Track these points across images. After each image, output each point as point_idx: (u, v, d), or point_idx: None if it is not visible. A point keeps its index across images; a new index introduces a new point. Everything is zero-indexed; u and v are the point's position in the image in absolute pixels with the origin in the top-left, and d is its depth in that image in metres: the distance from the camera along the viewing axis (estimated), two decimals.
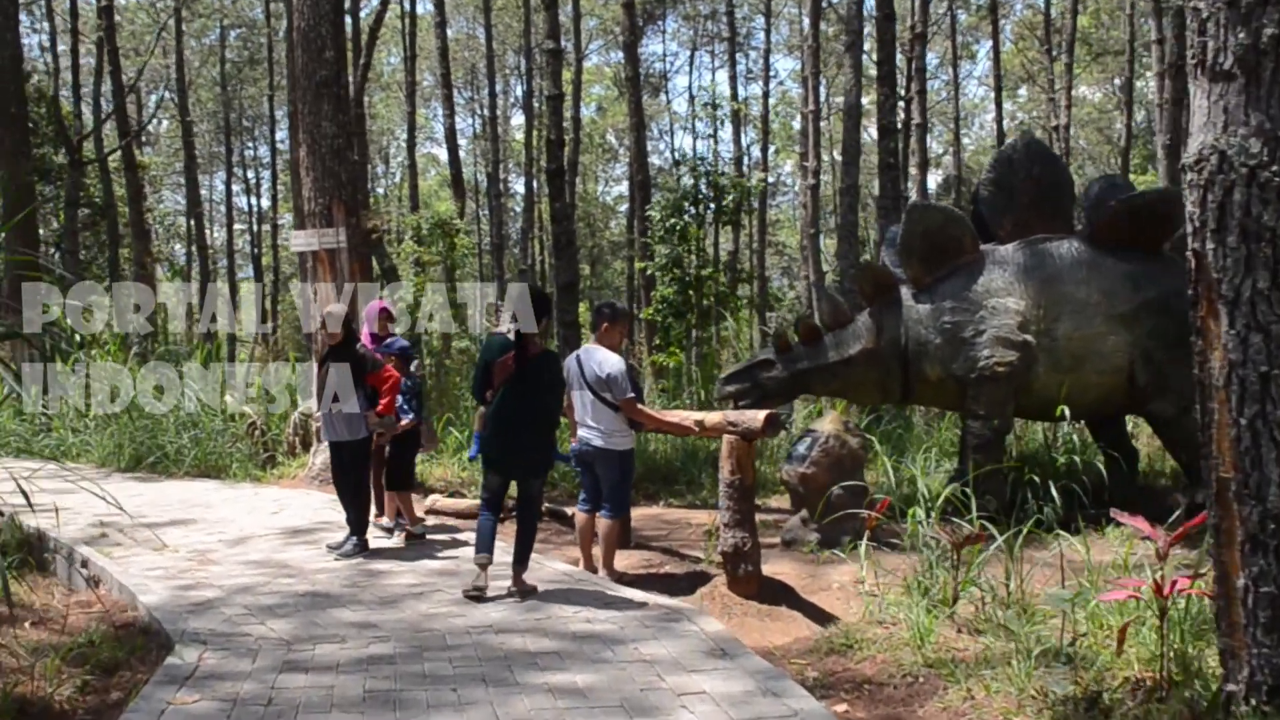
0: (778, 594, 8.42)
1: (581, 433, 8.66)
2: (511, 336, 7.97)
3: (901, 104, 21.73)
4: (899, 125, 19.68)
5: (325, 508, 11.54)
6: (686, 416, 8.89)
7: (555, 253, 21.78)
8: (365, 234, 24.29)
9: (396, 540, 10.00)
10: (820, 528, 9.64)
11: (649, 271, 22.59)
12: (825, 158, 37.03)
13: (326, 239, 12.85)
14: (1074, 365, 10.32)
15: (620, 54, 48.66)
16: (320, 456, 13.08)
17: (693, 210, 22.12)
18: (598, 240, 56.63)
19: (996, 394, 10.29)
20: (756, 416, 8.16)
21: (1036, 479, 9.86)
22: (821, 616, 8.08)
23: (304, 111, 13.07)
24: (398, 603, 7.68)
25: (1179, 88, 18.93)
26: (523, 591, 7.87)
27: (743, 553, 8.21)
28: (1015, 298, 10.35)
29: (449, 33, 52.97)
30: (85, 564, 9.25)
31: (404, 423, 9.89)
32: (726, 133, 36.71)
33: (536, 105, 38.50)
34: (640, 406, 8.66)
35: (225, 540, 9.99)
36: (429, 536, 10.18)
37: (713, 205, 22.15)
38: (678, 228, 21.58)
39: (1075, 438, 12.43)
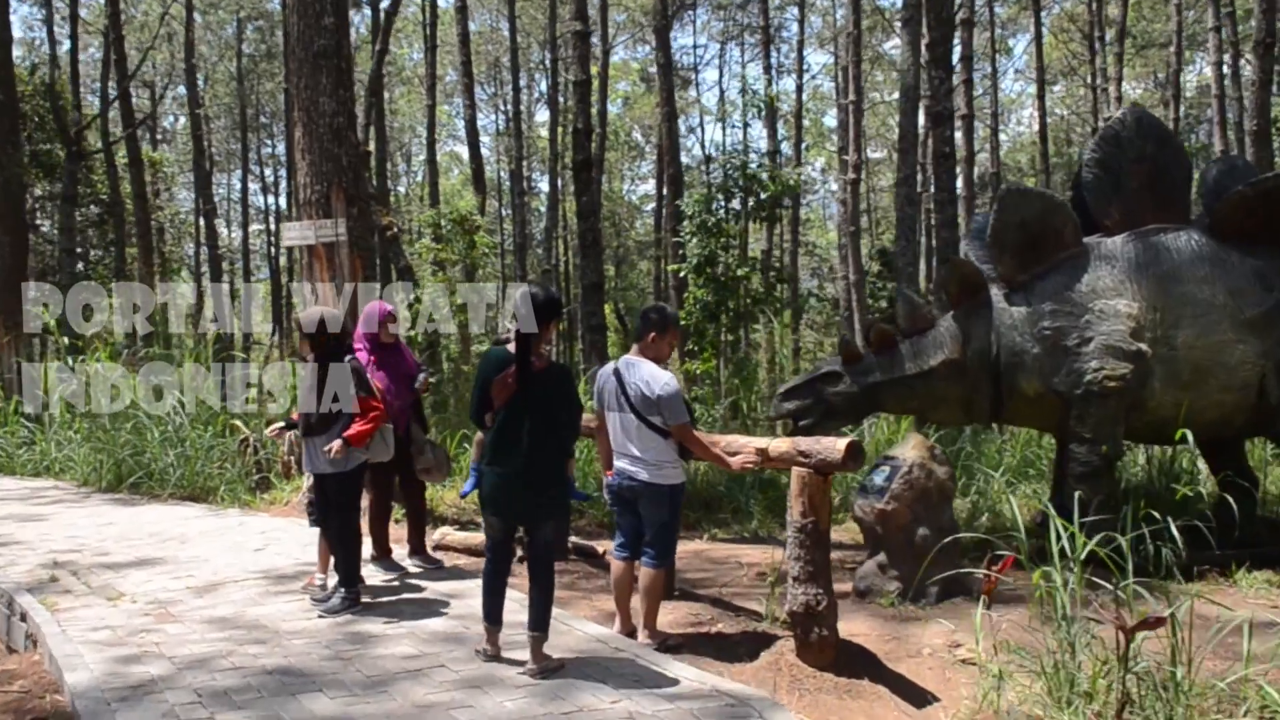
0: (857, 663, 6.84)
1: (620, 464, 7.03)
2: (513, 348, 6.38)
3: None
4: (952, 112, 17.97)
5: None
6: (746, 444, 7.25)
7: (581, 251, 20.20)
8: (383, 229, 22.89)
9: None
10: (902, 575, 8.03)
11: (681, 272, 20.94)
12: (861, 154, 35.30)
13: (324, 232, 11.26)
14: (1195, 379, 8.66)
15: (646, 48, 47.19)
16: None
17: (728, 205, 20.54)
18: (623, 240, 55.09)
19: (1106, 413, 8.63)
20: (835, 446, 6.55)
21: (1156, 515, 8.23)
22: (914, 694, 6.50)
23: (300, 86, 11.49)
24: (388, 684, 6.05)
25: (1266, 68, 17.13)
26: (544, 669, 6.25)
27: (816, 614, 6.64)
28: (1126, 299, 8.69)
29: (472, 25, 51.70)
30: (24, 617, 7.69)
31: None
32: (755, 129, 35.17)
33: (561, 100, 37.05)
34: (697, 434, 7.02)
35: (193, 587, 8.41)
36: (429, 585, 8.57)
37: (750, 199, 20.54)
38: (711, 224, 19.95)
39: (1183, 462, 10.79)
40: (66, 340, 17.22)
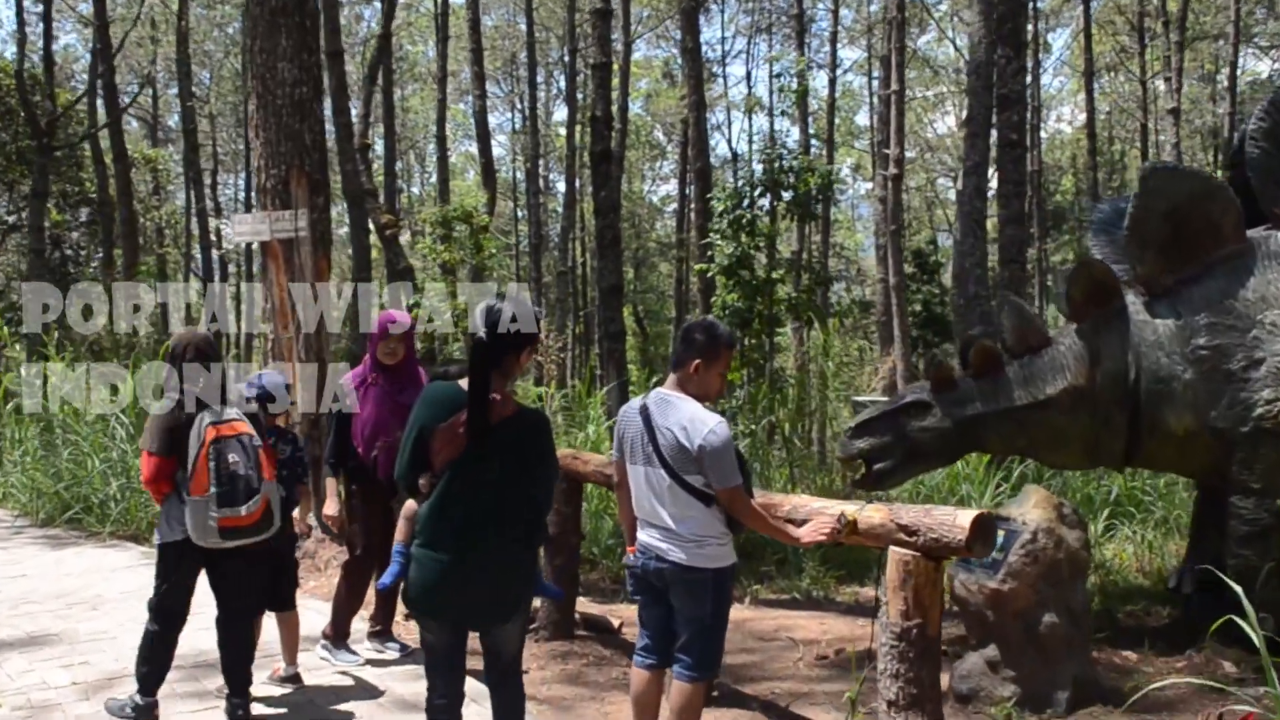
0: None
1: (646, 537, 4.97)
2: (466, 383, 4.35)
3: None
4: (1022, 94, 15.83)
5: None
6: (822, 509, 5.17)
7: (599, 251, 18.13)
8: (382, 227, 20.92)
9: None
10: (1020, 675, 5.99)
11: (710, 274, 18.84)
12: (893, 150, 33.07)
13: (280, 225, 9.23)
14: None
15: (667, 45, 45.16)
16: None
17: (759, 201, 18.45)
18: (643, 242, 52.97)
19: None
20: (955, 522, 4.53)
21: None
22: None
23: (255, 50, 9.47)
24: None
25: None
26: None
27: None
28: None
29: (488, 20, 49.72)
30: None
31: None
32: (783, 125, 33.16)
33: (580, 96, 35.05)
34: (752, 502, 4.93)
35: (83, 683, 6.38)
36: (390, 685, 6.52)
37: (787, 194, 18.44)
38: (745, 220, 17.85)
39: None
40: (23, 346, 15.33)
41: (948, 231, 43.62)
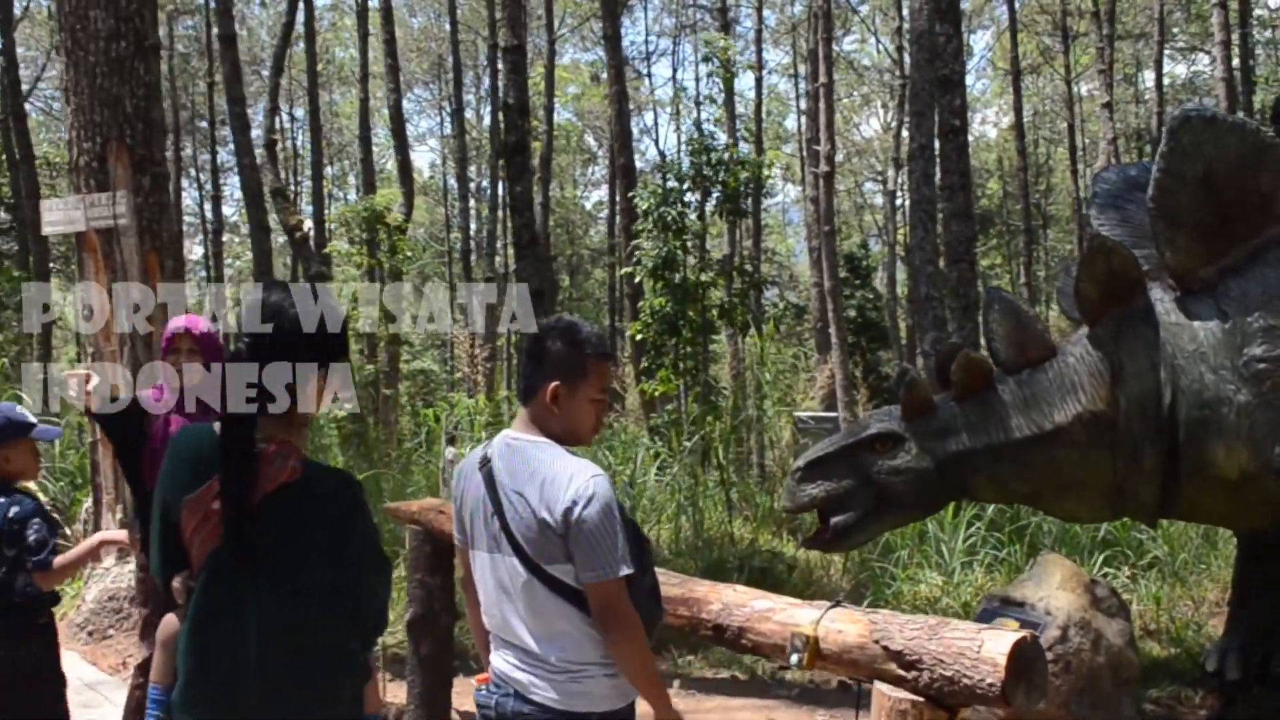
0: None
1: (498, 661, 3.08)
2: (220, 428, 2.47)
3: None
4: (963, 77, 14.12)
5: (85, 691, 6.13)
6: (768, 612, 3.32)
7: (516, 252, 16.20)
8: (291, 229, 18.81)
9: None
10: None
11: (636, 277, 16.98)
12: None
13: (97, 211, 7.22)
14: None
15: (596, 52, 43.31)
16: (95, 588, 7.53)
17: (688, 198, 16.64)
18: (577, 248, 51.01)
19: None
20: (982, 652, 2.68)
21: None
22: None
23: None
24: None
25: None
26: None
27: None
28: None
29: (415, 21, 47.56)
30: None
31: None
32: (711, 127, 31.28)
33: (501, 93, 33.14)
34: (638, 621, 3.03)
35: None
36: None
37: (713, 192, 16.64)
38: (670, 218, 16.03)
39: None
40: None
41: (878, 236, 42.17)
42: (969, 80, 41.03)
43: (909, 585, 7.66)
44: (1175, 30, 37.61)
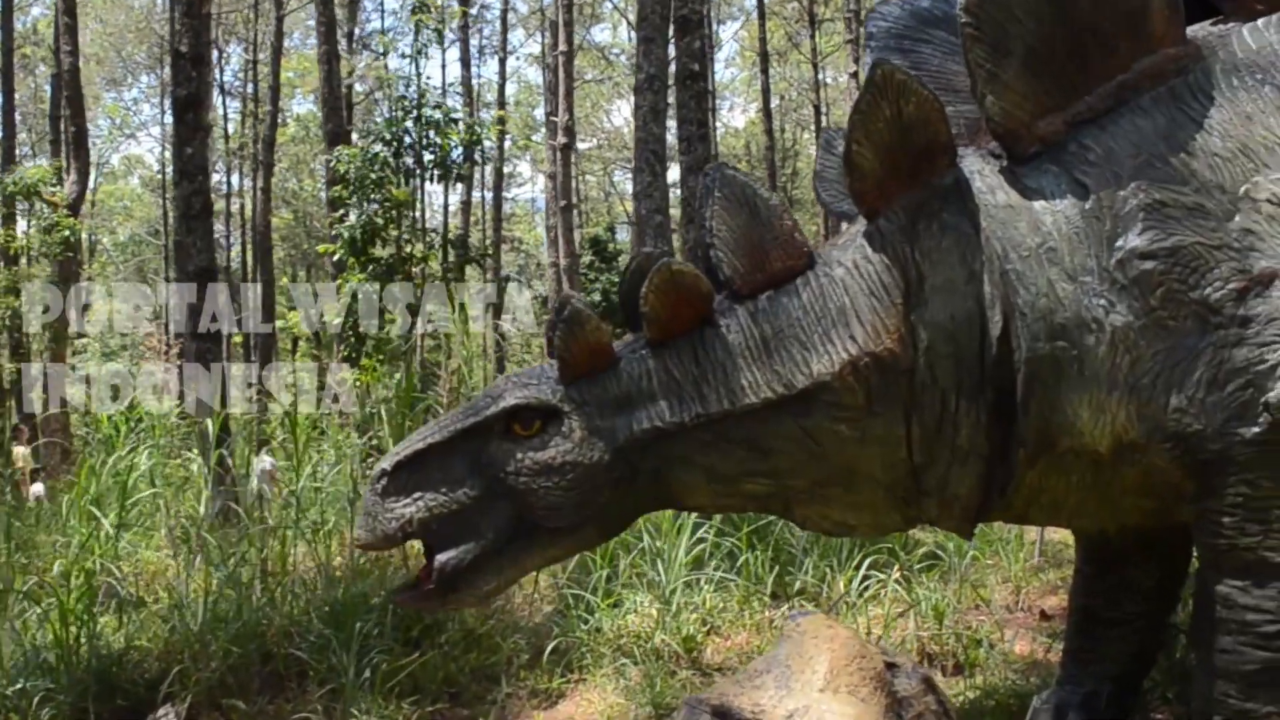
0: None
1: None
2: None
3: None
4: (703, 18, 12.11)
5: None
6: None
7: (183, 224, 13.33)
8: None
9: None
10: None
11: (335, 255, 14.36)
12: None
13: None
14: None
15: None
16: None
17: (400, 160, 14.16)
18: (313, 244, 47.55)
19: None
20: None
21: None
22: None
23: None
24: None
25: None
26: None
27: None
28: None
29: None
30: None
31: None
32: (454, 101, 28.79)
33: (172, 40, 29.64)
34: None
35: None
36: None
37: (428, 155, 14.22)
38: (370, 182, 13.52)
39: None
40: None
41: (628, 222, 40.57)
42: (717, 70, 39.91)
43: (612, 618, 5.41)
44: None
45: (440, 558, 3.08)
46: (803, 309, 3.03)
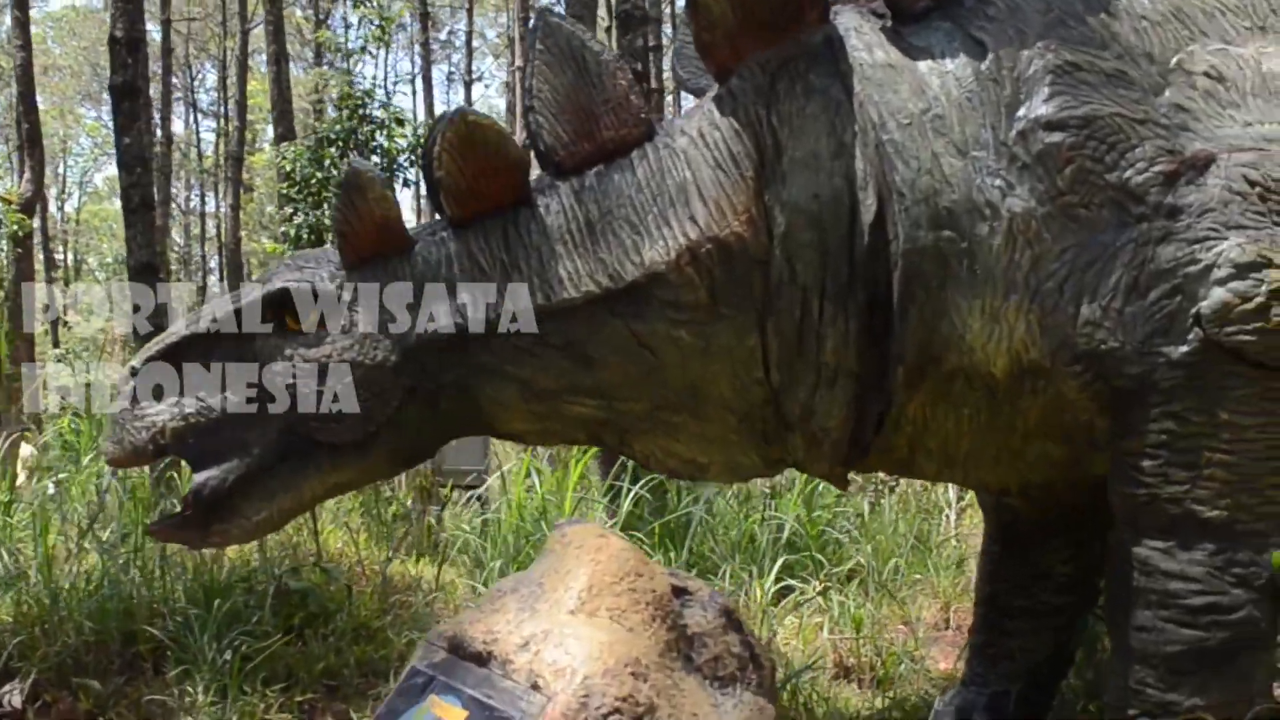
0: None
1: None
2: None
3: None
4: (644, 15, 11.66)
5: None
6: None
7: (125, 218, 12.83)
8: None
9: None
10: None
11: (284, 255, 13.81)
12: None
13: None
14: None
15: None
16: None
17: (346, 160, 13.70)
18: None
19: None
20: None
21: None
22: None
23: None
24: None
25: None
26: None
27: None
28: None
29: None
30: None
31: None
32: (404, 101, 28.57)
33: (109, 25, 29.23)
34: None
35: None
36: None
37: (376, 154, 13.73)
38: (315, 181, 13.02)
39: None
40: None
41: None
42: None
43: None
44: None
45: (198, 477, 2.50)
46: (636, 186, 2.48)
